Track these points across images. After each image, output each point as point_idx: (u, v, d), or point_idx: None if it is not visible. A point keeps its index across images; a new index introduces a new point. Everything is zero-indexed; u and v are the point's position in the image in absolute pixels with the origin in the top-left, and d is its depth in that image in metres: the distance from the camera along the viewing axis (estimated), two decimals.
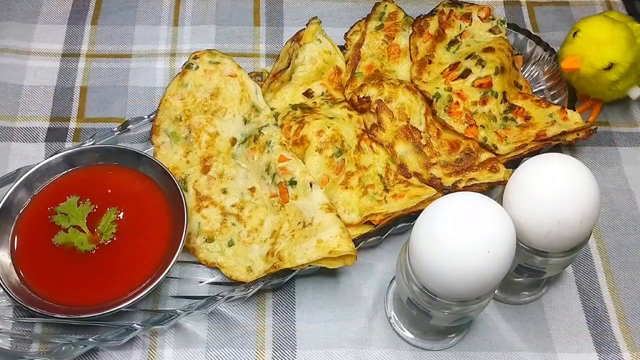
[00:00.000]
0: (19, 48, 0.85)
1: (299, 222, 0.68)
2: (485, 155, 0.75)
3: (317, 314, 0.68)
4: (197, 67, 0.77)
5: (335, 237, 0.65)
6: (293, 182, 0.69)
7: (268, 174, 0.71)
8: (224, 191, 0.73)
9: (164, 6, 0.91)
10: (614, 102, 0.84)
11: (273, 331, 0.67)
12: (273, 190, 0.71)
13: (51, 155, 0.71)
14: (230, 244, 0.70)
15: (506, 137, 0.77)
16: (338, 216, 0.68)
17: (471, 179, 0.72)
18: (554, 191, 0.56)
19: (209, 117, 0.76)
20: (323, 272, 0.70)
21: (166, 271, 0.64)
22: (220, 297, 0.64)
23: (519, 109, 0.79)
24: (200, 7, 0.92)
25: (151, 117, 0.76)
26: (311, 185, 0.69)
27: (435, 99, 0.77)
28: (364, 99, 0.76)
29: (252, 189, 0.72)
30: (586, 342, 0.68)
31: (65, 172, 0.71)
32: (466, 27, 0.84)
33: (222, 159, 0.74)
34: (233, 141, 0.75)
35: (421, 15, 0.84)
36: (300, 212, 0.68)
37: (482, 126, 0.76)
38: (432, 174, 0.74)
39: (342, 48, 0.82)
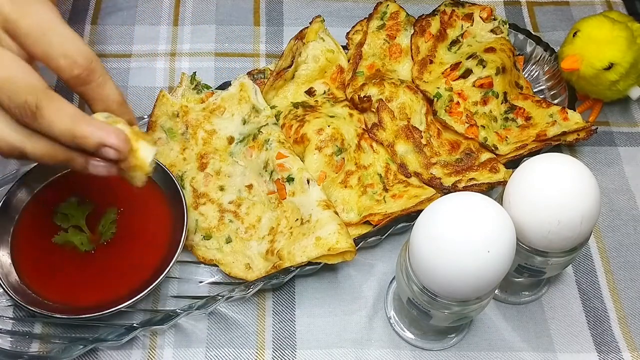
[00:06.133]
0: None
1: (297, 219, 0.68)
2: (485, 156, 0.75)
3: (317, 314, 0.68)
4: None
5: (333, 233, 0.65)
6: (290, 179, 0.69)
7: (266, 171, 0.71)
8: (221, 188, 0.73)
9: (164, 6, 0.91)
10: (614, 102, 0.84)
11: (273, 331, 0.67)
12: (270, 187, 0.71)
13: None
14: (228, 240, 0.70)
15: (506, 137, 0.77)
16: (336, 212, 0.68)
17: (471, 179, 0.72)
18: (554, 191, 0.56)
19: (206, 115, 0.76)
20: (323, 272, 0.70)
21: (166, 271, 0.64)
22: (220, 297, 0.64)
23: (519, 109, 0.79)
24: (200, 7, 0.92)
25: None
26: (308, 182, 0.69)
27: (435, 99, 0.77)
28: (365, 98, 0.76)
29: (250, 186, 0.72)
30: (586, 342, 0.68)
31: (65, 172, 0.71)
32: (468, 27, 0.84)
33: (219, 157, 0.74)
34: (230, 140, 0.75)
35: (423, 15, 0.84)
36: (298, 209, 0.68)
37: (483, 126, 0.76)
38: (432, 173, 0.74)
39: (344, 47, 0.82)
